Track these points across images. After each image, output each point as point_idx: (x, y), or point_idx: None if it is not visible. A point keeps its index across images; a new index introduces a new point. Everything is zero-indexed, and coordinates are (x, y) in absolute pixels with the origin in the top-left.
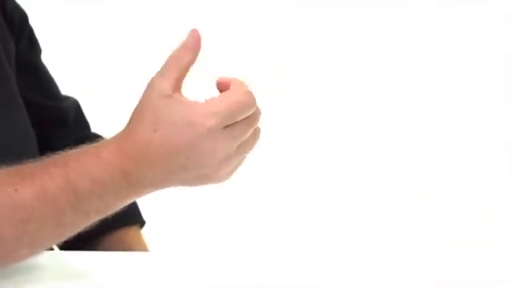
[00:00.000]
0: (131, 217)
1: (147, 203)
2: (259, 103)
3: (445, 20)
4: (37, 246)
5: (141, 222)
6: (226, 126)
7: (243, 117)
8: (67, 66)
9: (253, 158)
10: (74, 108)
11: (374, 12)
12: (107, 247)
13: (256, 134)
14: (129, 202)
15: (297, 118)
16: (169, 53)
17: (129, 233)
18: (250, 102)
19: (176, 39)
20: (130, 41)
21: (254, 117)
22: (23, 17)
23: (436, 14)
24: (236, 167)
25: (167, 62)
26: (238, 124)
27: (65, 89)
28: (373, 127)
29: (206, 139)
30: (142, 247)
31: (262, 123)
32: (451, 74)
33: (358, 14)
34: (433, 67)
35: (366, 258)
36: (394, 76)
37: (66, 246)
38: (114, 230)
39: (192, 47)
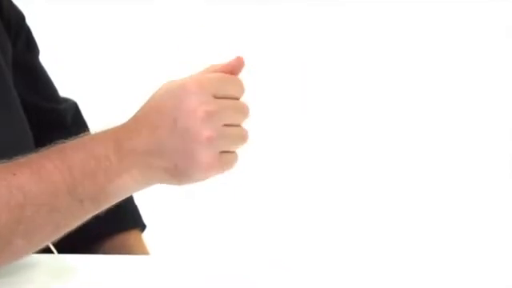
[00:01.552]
0: (132, 220)
1: (148, 206)
2: (259, 103)
3: (445, 20)
4: (32, 236)
5: (141, 226)
6: (216, 97)
7: (232, 91)
8: (66, 67)
9: (253, 159)
10: (73, 110)
11: (374, 12)
12: (108, 251)
13: (244, 133)
14: (121, 186)
15: (296, 118)
16: (167, 53)
17: (130, 236)
18: (238, 80)
19: (175, 40)
20: (129, 41)
21: (242, 105)
22: (20, 17)
23: (435, 14)
24: (224, 160)
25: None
26: (227, 100)
27: (63, 90)
28: (373, 127)
29: (193, 96)
30: (142, 251)
31: (261, 125)
32: (451, 73)
33: (357, 14)
34: (433, 67)
35: (366, 259)
36: (394, 76)
37: (67, 249)
38: (114, 233)
39: (231, 68)
